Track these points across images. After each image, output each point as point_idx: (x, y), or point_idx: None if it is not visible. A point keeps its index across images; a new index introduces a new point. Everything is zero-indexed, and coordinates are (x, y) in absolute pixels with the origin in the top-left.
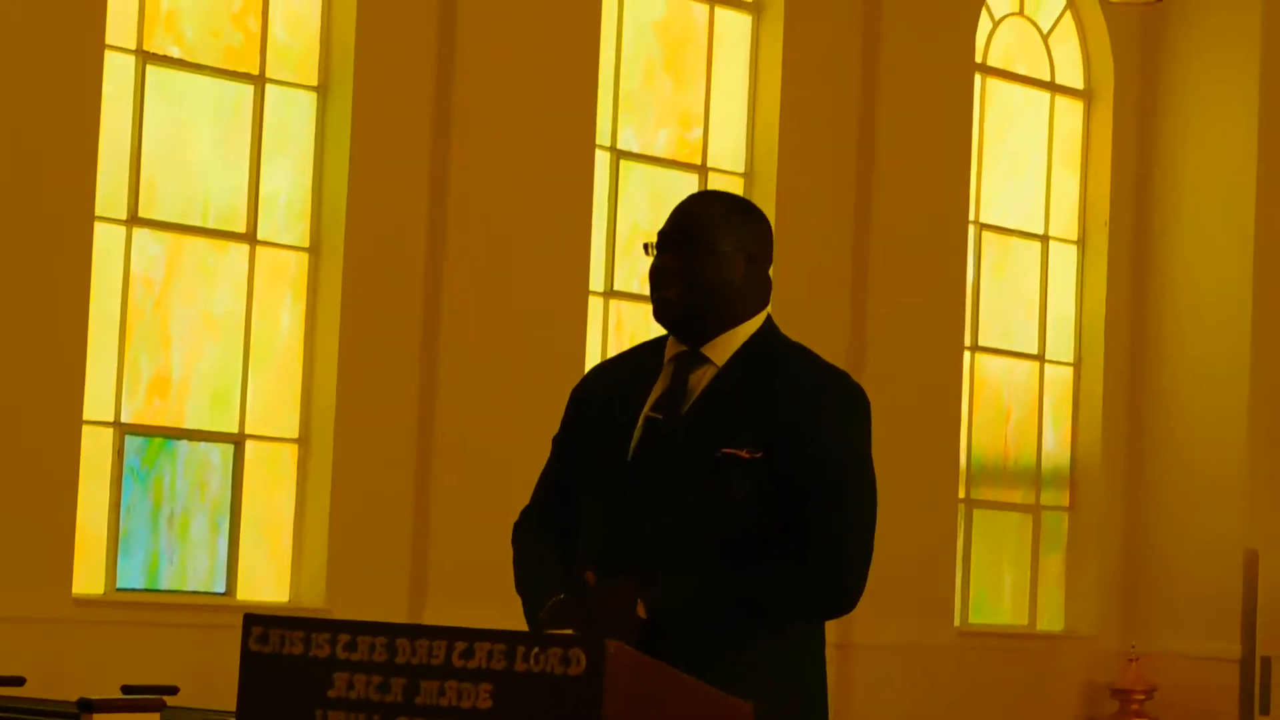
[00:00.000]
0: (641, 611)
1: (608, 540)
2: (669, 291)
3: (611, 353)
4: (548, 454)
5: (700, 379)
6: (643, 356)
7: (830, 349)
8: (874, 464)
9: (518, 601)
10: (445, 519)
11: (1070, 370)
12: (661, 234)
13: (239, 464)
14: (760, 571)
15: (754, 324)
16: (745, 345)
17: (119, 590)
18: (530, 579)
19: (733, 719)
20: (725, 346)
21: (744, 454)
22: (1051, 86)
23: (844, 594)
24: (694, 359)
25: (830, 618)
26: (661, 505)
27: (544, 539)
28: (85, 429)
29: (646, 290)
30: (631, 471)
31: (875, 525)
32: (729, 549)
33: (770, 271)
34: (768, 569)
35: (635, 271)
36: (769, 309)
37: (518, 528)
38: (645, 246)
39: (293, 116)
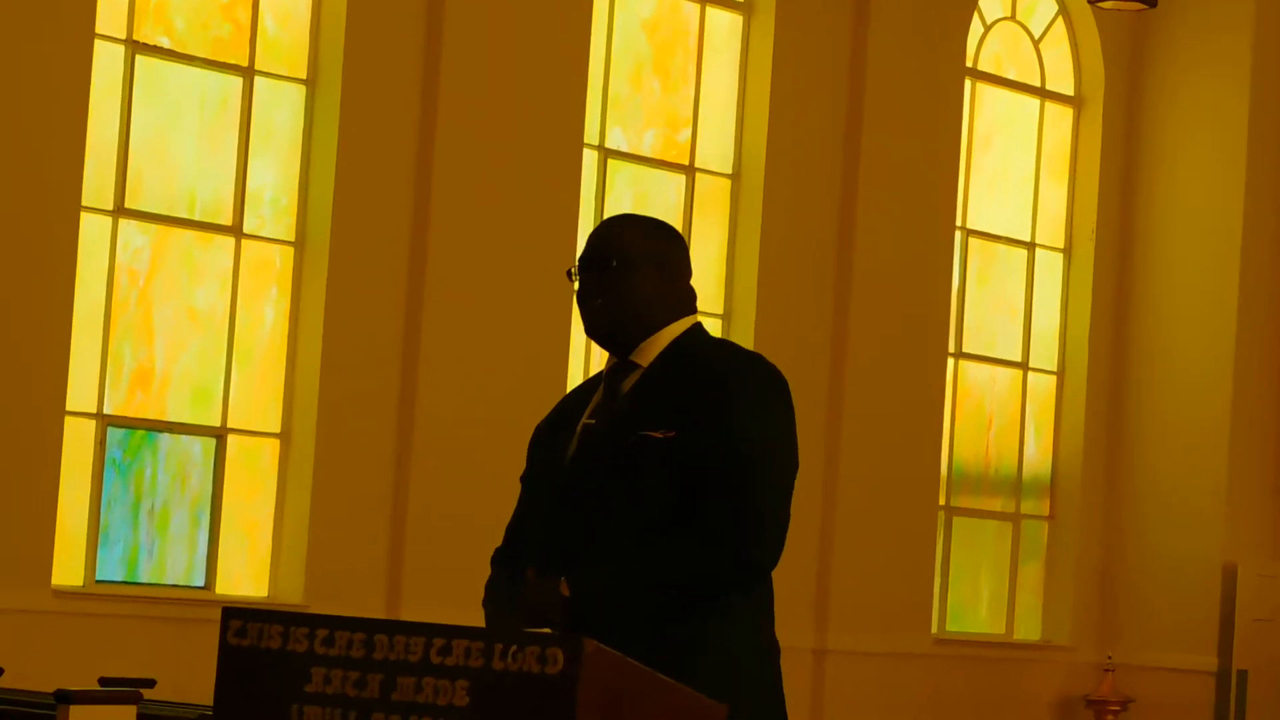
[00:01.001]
0: (565, 590)
1: (547, 542)
2: (591, 307)
3: (594, 351)
4: (524, 453)
5: (629, 382)
6: (587, 384)
7: (812, 353)
8: (796, 444)
9: None
10: (423, 517)
11: (1053, 379)
12: (580, 258)
13: (220, 458)
14: (670, 547)
15: (678, 328)
16: (669, 346)
17: (98, 582)
18: (488, 607)
19: (707, 719)
20: (651, 350)
21: (657, 435)
22: (1042, 92)
23: (751, 562)
24: (625, 367)
25: (739, 587)
26: (589, 497)
27: (505, 571)
28: (68, 420)
29: None
30: (565, 475)
31: (789, 494)
32: (648, 531)
33: (691, 283)
34: (677, 543)
35: None
36: (695, 317)
37: (491, 564)
38: (569, 273)
39: (281, 110)
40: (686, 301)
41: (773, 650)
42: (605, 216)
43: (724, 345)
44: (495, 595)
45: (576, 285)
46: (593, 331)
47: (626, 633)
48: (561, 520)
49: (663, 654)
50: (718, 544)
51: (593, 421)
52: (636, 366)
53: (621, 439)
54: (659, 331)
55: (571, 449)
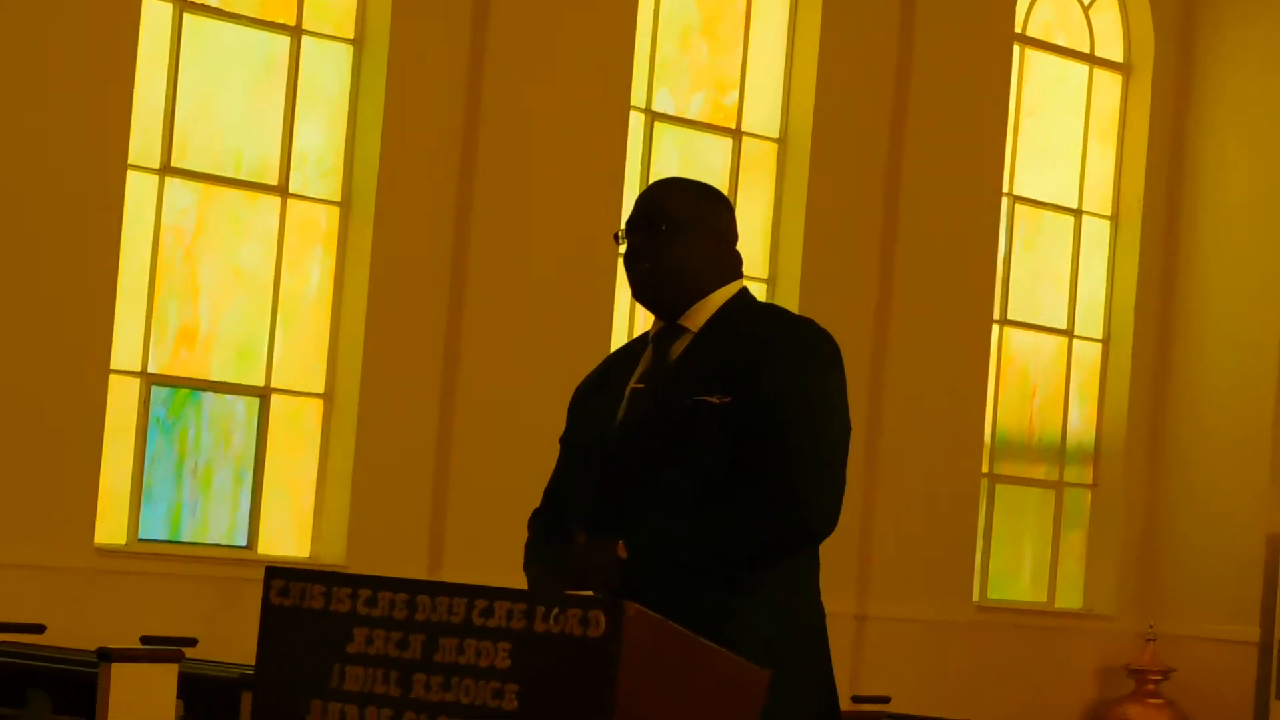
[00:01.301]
0: (621, 551)
1: (597, 507)
2: (639, 270)
3: (639, 314)
4: (568, 416)
5: (679, 347)
6: (629, 346)
7: (857, 318)
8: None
9: None
10: (466, 479)
11: (1098, 347)
12: (628, 221)
13: (264, 418)
14: (727, 510)
15: (726, 293)
16: (718, 311)
17: (141, 541)
18: (528, 564)
19: (748, 685)
20: (699, 315)
21: (713, 400)
22: (1090, 59)
23: (811, 526)
24: (673, 331)
25: (800, 546)
26: (641, 461)
27: (544, 531)
28: (112, 379)
29: None
30: (616, 439)
31: (844, 458)
32: (706, 495)
33: (737, 248)
34: (735, 508)
35: None
36: (742, 281)
37: (528, 527)
38: (615, 236)
39: (328, 69)
40: (733, 266)
41: (820, 615)
42: (651, 179)
43: (775, 311)
44: (537, 558)
45: (623, 248)
46: (639, 294)
47: (681, 595)
48: (611, 485)
49: (712, 617)
50: (777, 508)
51: (641, 386)
52: (685, 331)
53: (673, 404)
54: (707, 296)
55: (620, 413)
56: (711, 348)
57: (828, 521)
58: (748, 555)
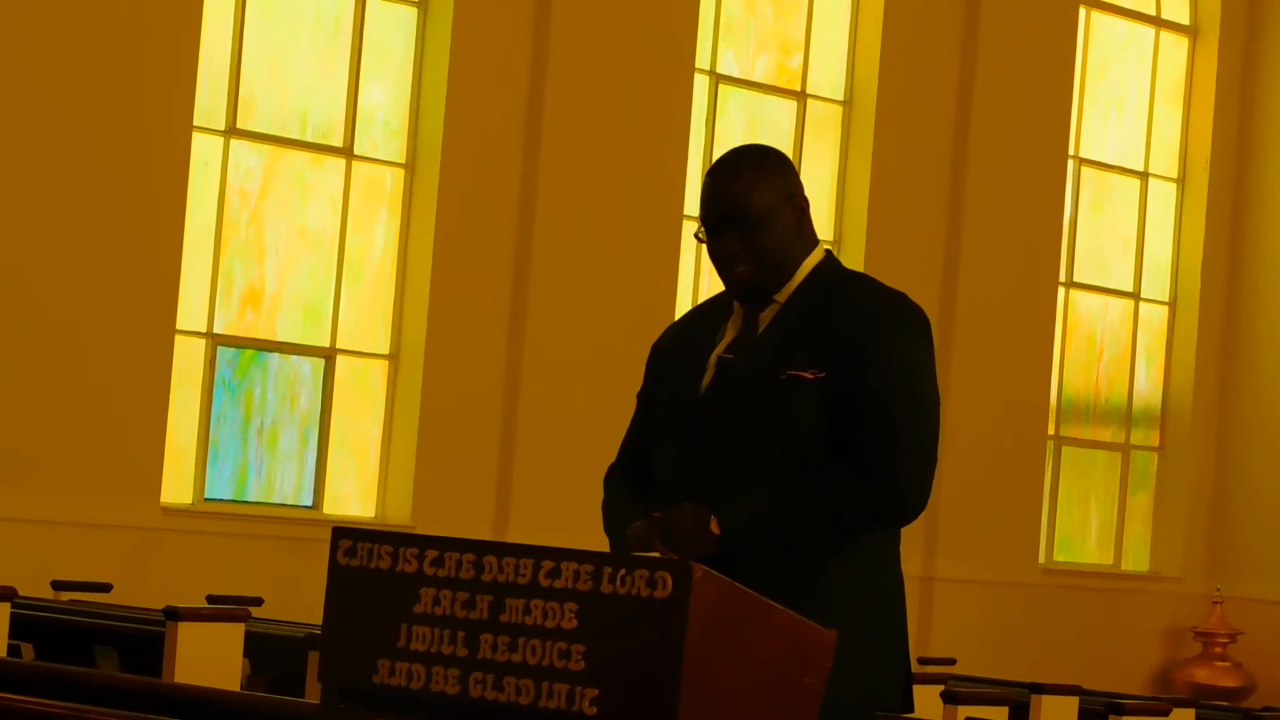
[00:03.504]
0: (715, 528)
1: (683, 474)
2: (738, 272)
3: (704, 275)
4: (636, 376)
5: (766, 316)
6: (712, 305)
7: (923, 281)
8: (940, 383)
9: (601, 523)
10: (532, 439)
11: (1165, 309)
12: (709, 221)
13: (329, 378)
14: (825, 484)
15: (814, 258)
16: (806, 279)
17: (207, 501)
18: (612, 520)
19: (816, 646)
20: (788, 284)
21: (808, 375)
22: (1157, 21)
23: (906, 499)
24: (760, 301)
25: (896, 524)
26: (731, 434)
27: (626, 488)
28: (178, 339)
29: None
30: (703, 407)
31: (938, 434)
32: (794, 470)
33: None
34: (832, 481)
35: None
36: (824, 245)
37: (605, 483)
38: (696, 235)
39: (393, 31)
40: (812, 232)
41: (900, 581)
42: (716, 143)
43: (865, 281)
44: (621, 517)
45: (706, 244)
46: (739, 294)
47: (773, 567)
48: (697, 455)
49: (799, 583)
50: (874, 481)
51: (730, 356)
52: (772, 300)
53: (765, 377)
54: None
55: (705, 381)
56: (801, 318)
57: (921, 505)
58: (841, 533)
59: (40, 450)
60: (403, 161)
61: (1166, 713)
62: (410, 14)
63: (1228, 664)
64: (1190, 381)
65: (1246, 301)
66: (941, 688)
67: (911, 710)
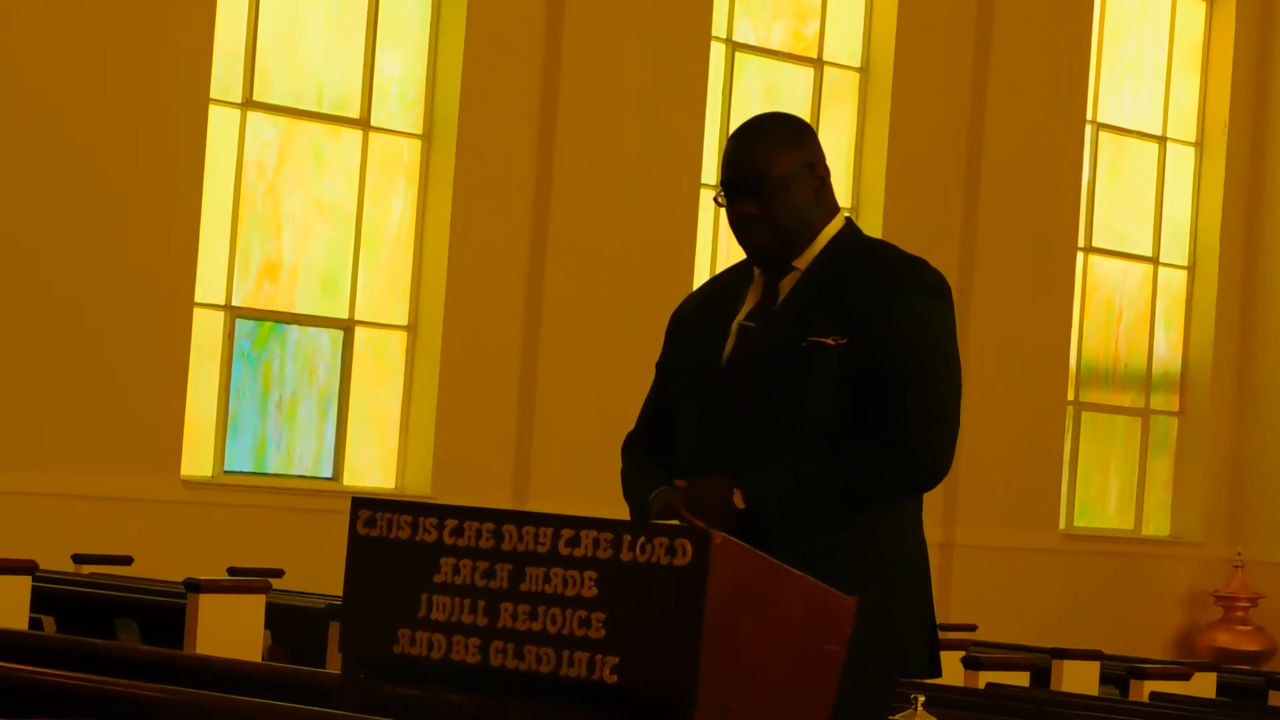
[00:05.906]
0: (739, 501)
1: (703, 441)
2: (757, 238)
3: (722, 244)
4: (653, 345)
5: (787, 284)
6: (732, 274)
7: (941, 247)
8: (959, 350)
9: (621, 492)
10: (550, 410)
11: (1184, 274)
12: (729, 185)
13: (348, 350)
14: (848, 457)
15: (834, 226)
16: (827, 246)
17: (226, 473)
18: (634, 487)
19: (836, 612)
20: (808, 252)
21: (830, 341)
22: None
23: (928, 466)
24: (781, 268)
25: (919, 491)
26: (753, 400)
27: (646, 456)
28: (196, 312)
29: None
30: (724, 374)
31: (959, 399)
32: (819, 437)
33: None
34: (855, 453)
35: None
36: (844, 212)
37: (623, 451)
38: (715, 199)
39: (408, 2)
40: (833, 198)
41: (923, 547)
42: (733, 110)
43: (885, 248)
44: (643, 484)
45: (725, 208)
46: (759, 261)
47: (796, 536)
48: (718, 422)
49: (817, 552)
50: (897, 450)
51: (751, 324)
52: (793, 267)
53: (786, 344)
54: (817, 235)
55: (727, 348)
56: (823, 286)
57: (943, 471)
58: (866, 502)
59: (60, 425)
60: (419, 133)
61: (1188, 677)
62: None
63: (1249, 628)
64: (1210, 345)
65: (1265, 265)
66: (963, 653)
67: (939, 675)
